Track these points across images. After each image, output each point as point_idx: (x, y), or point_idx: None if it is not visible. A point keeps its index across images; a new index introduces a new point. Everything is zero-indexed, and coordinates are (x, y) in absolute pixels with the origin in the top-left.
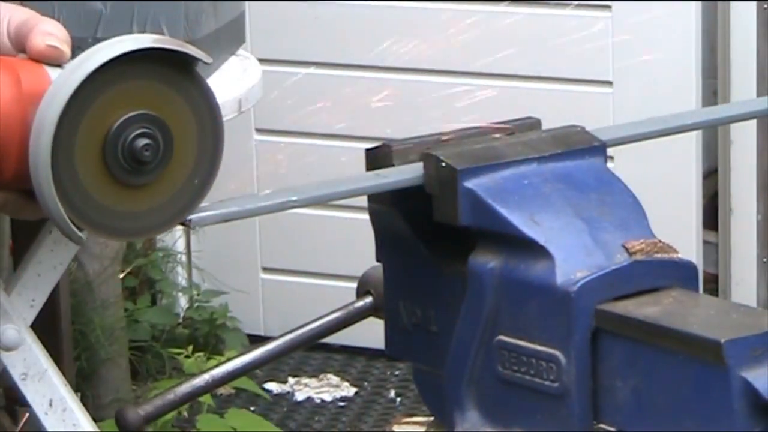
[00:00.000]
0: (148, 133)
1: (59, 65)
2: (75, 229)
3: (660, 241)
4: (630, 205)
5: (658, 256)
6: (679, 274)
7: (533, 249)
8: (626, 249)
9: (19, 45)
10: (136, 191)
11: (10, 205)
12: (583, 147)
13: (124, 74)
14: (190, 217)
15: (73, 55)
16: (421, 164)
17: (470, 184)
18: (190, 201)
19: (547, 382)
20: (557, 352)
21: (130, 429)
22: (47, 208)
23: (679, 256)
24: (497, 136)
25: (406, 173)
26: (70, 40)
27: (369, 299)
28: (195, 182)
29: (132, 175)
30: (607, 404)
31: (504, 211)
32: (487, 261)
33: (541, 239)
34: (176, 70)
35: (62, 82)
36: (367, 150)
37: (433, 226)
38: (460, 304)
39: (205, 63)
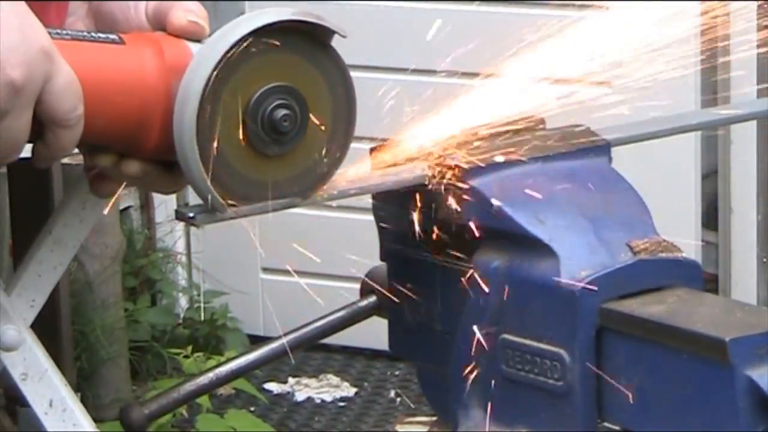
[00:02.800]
0: (287, 104)
1: (199, 40)
2: (219, 198)
3: (664, 240)
4: (634, 204)
5: (663, 255)
6: (684, 273)
7: (538, 248)
8: (630, 248)
9: (158, 23)
10: (275, 161)
11: (150, 177)
12: (588, 146)
13: (262, 47)
14: (194, 214)
15: None
16: (425, 163)
17: (475, 182)
18: (326, 171)
19: (551, 381)
20: (562, 351)
21: (135, 427)
22: (192, 177)
23: (684, 255)
24: (502, 135)
25: (410, 172)
26: (208, 18)
27: (373, 298)
28: (330, 153)
29: (271, 145)
30: (612, 403)
31: (509, 210)
32: (491, 259)
33: (545, 238)
34: (312, 43)
35: (205, 55)
36: (372, 149)
37: (438, 225)
38: (464, 302)
39: (342, 36)
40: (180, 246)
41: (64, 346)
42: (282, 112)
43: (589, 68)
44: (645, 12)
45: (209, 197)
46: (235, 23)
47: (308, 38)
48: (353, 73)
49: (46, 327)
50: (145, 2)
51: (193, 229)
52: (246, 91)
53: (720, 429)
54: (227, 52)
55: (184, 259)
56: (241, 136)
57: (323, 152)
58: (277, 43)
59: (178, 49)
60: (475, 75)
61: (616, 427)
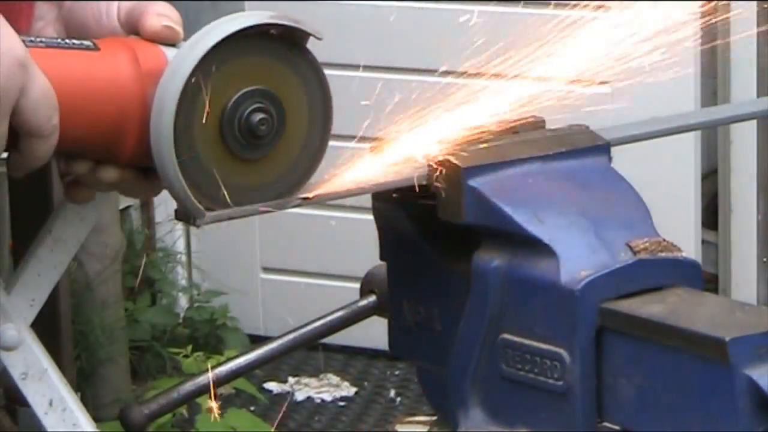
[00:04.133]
0: (263, 107)
1: (173, 45)
2: (197, 204)
3: (664, 240)
4: (634, 204)
5: (663, 254)
6: (683, 272)
7: (538, 247)
8: (630, 248)
9: (131, 28)
10: (252, 165)
11: (127, 183)
12: (588, 146)
13: (239, 51)
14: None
15: None
16: (425, 163)
17: (475, 182)
18: (303, 174)
19: (551, 381)
20: (561, 351)
21: (134, 427)
22: (170, 183)
23: (684, 254)
24: (501, 134)
25: (410, 172)
26: (182, 21)
27: (373, 298)
28: (307, 156)
29: (248, 149)
30: (612, 402)
31: (508, 210)
32: (491, 259)
33: (545, 238)
34: (288, 46)
35: (181, 60)
36: (371, 148)
37: (438, 225)
38: (464, 302)
39: (317, 38)
40: (180, 246)
41: (64, 346)
42: (259, 116)
43: (589, 68)
44: (645, 11)
45: (188, 203)
46: (210, 27)
47: (284, 41)
48: (355, 73)
49: (46, 327)
50: (117, 5)
51: (193, 228)
52: (223, 96)
53: (720, 429)
54: (203, 57)
55: (184, 258)
56: (218, 141)
57: (299, 157)
58: (253, 46)
59: (153, 54)
60: (475, 75)
61: (616, 427)
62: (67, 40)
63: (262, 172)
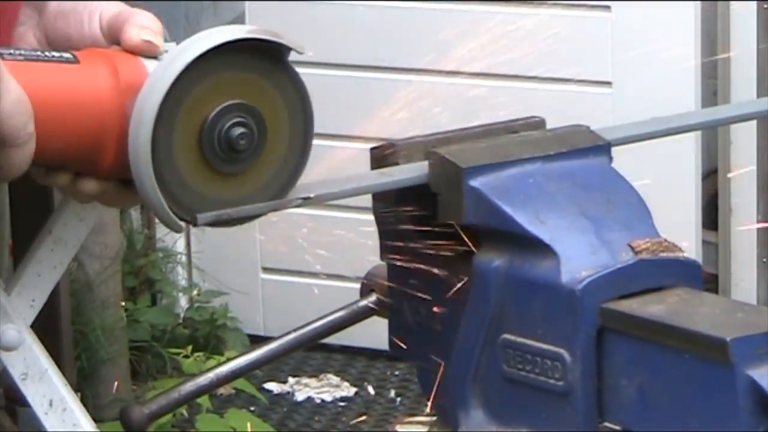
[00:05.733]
0: (243, 122)
1: (155, 57)
2: (174, 218)
3: (665, 240)
4: (635, 205)
5: (664, 255)
6: (684, 273)
7: (538, 248)
8: (631, 248)
9: (113, 38)
10: (231, 179)
11: (107, 195)
12: (588, 146)
13: (219, 65)
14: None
15: None
16: (426, 163)
17: (475, 182)
18: (282, 188)
19: (552, 381)
20: (562, 351)
21: (135, 428)
22: (147, 197)
23: (684, 255)
24: (502, 134)
25: (410, 172)
26: (163, 31)
27: (373, 298)
28: (287, 170)
29: (227, 163)
30: (612, 403)
31: (509, 210)
32: (492, 260)
33: (546, 238)
34: (269, 60)
35: (160, 74)
36: (372, 149)
37: (438, 225)
38: (464, 302)
39: (299, 53)
40: (180, 246)
41: (64, 346)
42: (239, 130)
43: (590, 68)
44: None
45: (165, 216)
46: (190, 42)
47: (264, 55)
48: (355, 73)
49: (46, 327)
50: (98, 13)
51: (193, 228)
52: (202, 110)
53: (721, 429)
54: (182, 72)
55: (184, 258)
56: (197, 155)
57: (279, 170)
58: (233, 61)
59: (133, 67)
60: (476, 75)
61: (617, 427)
62: (46, 53)
63: (241, 186)
